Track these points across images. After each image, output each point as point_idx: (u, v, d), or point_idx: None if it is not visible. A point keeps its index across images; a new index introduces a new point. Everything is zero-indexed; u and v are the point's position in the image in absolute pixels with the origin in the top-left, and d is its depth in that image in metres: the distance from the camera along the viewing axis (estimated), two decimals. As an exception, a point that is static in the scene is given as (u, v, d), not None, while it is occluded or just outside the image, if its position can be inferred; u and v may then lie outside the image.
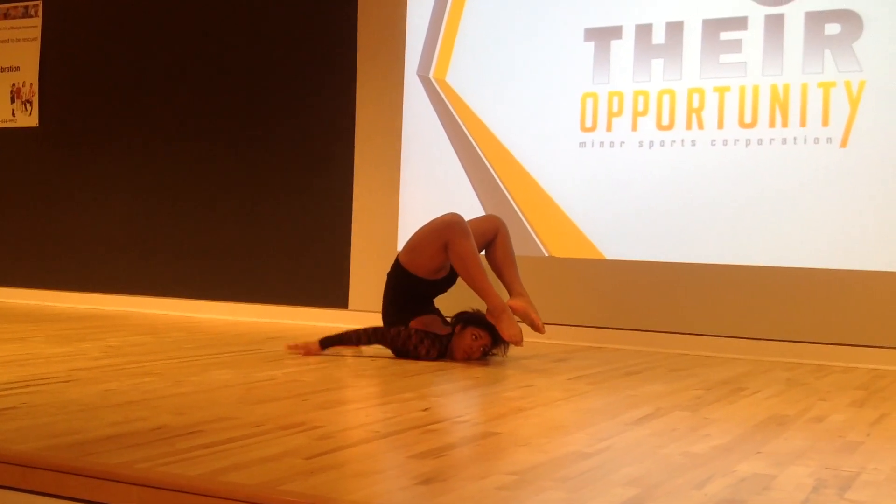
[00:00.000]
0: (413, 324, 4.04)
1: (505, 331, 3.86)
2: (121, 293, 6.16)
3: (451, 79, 5.36)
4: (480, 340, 3.96)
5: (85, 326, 4.98)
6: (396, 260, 4.13)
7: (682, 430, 2.67)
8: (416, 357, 3.97)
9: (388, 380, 3.60)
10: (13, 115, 6.65)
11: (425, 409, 2.87)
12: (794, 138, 4.59)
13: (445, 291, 4.16)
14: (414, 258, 4.03)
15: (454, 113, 5.34)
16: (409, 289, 4.06)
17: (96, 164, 6.39)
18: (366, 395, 3.26)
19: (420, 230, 4.11)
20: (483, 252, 4.17)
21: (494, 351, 4.03)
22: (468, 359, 4.00)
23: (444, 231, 3.93)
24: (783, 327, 4.57)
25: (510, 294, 4.14)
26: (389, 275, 4.14)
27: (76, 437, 2.27)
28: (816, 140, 4.54)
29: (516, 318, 3.96)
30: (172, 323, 5.35)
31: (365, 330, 3.98)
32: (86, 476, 1.97)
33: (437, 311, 4.18)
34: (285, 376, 3.44)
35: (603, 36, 5.01)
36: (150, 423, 2.46)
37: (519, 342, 3.87)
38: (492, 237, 4.17)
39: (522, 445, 2.40)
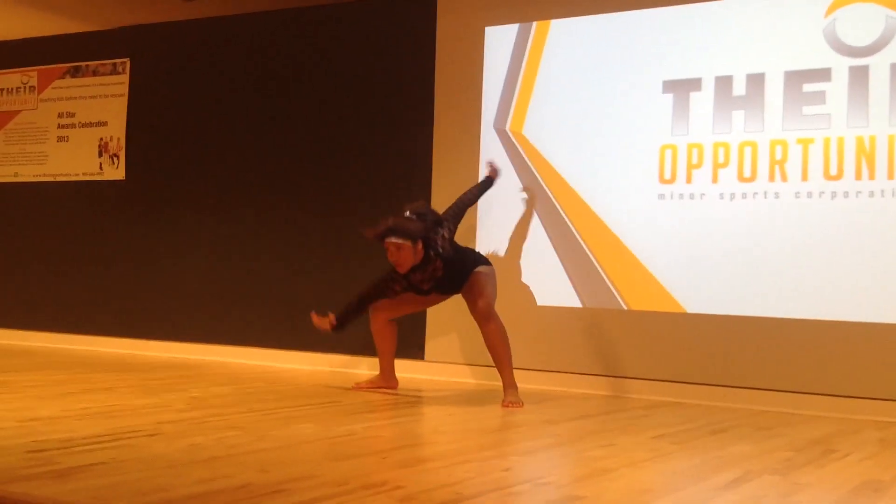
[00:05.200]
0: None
1: None
2: (202, 342, 6.26)
3: (527, 131, 5.37)
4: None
5: (168, 376, 5.06)
6: None
7: (773, 496, 2.59)
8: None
9: (467, 436, 3.58)
10: (101, 168, 6.85)
11: (506, 469, 2.84)
12: (882, 191, 4.48)
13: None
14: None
15: (531, 165, 5.34)
16: None
17: (180, 216, 6.54)
18: (445, 453, 3.24)
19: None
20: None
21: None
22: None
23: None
24: (874, 385, 4.43)
25: None
26: None
27: (163, 494, 2.29)
28: (904, 192, 4.43)
29: None
30: (252, 372, 5.41)
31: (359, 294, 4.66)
32: (175, 536, 1.98)
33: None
34: (365, 431, 3.44)
35: (682, 88, 4.98)
36: (235, 481, 2.48)
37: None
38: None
39: (608, 510, 2.35)
